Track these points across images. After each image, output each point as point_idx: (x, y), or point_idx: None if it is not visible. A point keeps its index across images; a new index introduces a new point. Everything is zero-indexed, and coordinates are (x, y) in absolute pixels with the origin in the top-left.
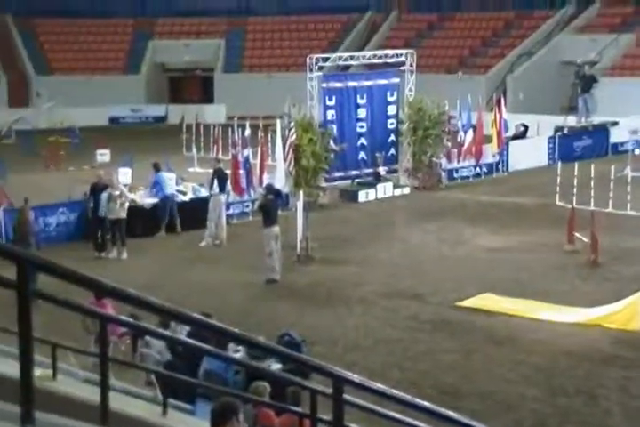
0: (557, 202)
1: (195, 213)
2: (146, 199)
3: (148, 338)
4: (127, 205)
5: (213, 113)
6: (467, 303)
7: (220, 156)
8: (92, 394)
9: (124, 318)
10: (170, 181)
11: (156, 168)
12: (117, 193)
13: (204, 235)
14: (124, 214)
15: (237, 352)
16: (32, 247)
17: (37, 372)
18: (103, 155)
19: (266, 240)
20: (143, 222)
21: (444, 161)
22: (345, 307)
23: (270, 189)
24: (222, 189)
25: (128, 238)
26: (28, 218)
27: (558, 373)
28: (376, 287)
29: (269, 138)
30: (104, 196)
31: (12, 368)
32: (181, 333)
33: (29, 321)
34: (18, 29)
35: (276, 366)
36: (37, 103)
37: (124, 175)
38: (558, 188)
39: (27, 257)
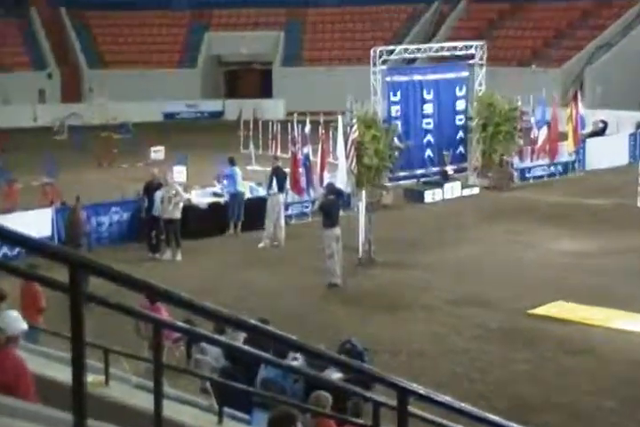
0: (639, 204)
1: (252, 214)
2: (201, 199)
3: (203, 344)
4: (182, 204)
5: (272, 108)
6: (539, 311)
7: (279, 153)
8: (145, 401)
9: (178, 323)
10: (239, 177)
11: (232, 162)
12: (172, 192)
13: (262, 236)
14: (178, 214)
15: (296, 360)
16: (83, 248)
17: (90, 378)
18: (157, 152)
19: (326, 242)
20: (198, 223)
21: (515, 159)
22: (409, 313)
23: (331, 188)
24: (281, 188)
25: (183, 240)
26: (79, 218)
27: (638, 384)
28: (442, 293)
29: (330, 135)
30: (158, 195)
31: (63, 374)
32: (238, 339)
33: (82, 325)
34: (71, 22)
35: (336, 376)
36: (90, 98)
37: (179, 173)
38: None
39: (78, 259)
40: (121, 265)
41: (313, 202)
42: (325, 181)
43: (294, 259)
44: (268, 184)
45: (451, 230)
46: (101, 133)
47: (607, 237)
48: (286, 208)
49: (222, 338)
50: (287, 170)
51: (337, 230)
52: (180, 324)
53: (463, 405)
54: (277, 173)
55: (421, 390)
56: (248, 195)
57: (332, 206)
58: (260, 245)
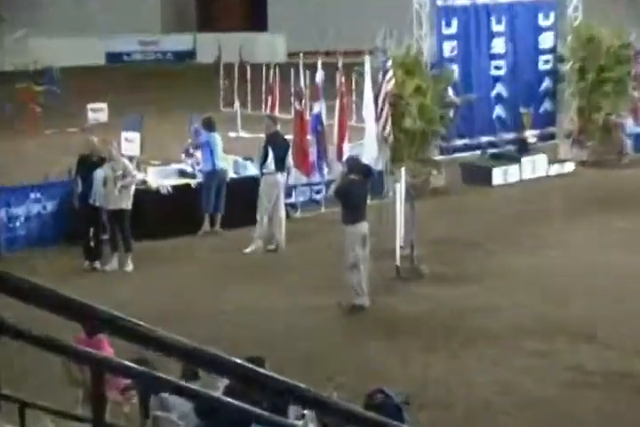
0: None
1: (238, 202)
2: (163, 180)
3: (165, 395)
4: (133, 189)
5: (266, 47)
6: None
7: (277, 113)
8: None
9: (128, 363)
10: (219, 148)
11: (208, 125)
12: (119, 172)
13: (252, 236)
14: (128, 204)
15: (303, 418)
16: None
17: None
18: (97, 111)
19: (348, 244)
20: (158, 216)
21: (628, 121)
22: (468, 349)
23: (354, 164)
24: (280, 164)
25: (135, 241)
26: None
27: None
28: (517, 319)
29: (353, 85)
30: (99, 175)
31: None
32: (217, 387)
33: None
34: None
35: None
36: (0, 32)
37: (130, 143)
38: None
39: None
40: (44, 278)
41: (328, 184)
42: (346, 155)
43: (299, 269)
44: (261, 158)
45: (531, 226)
46: (17, 84)
47: None
48: (288, 194)
49: (194, 386)
50: (289, 137)
51: (363, 227)
52: (132, 364)
53: None
54: (275, 142)
55: None
56: (231, 174)
57: (356, 191)
58: (249, 249)
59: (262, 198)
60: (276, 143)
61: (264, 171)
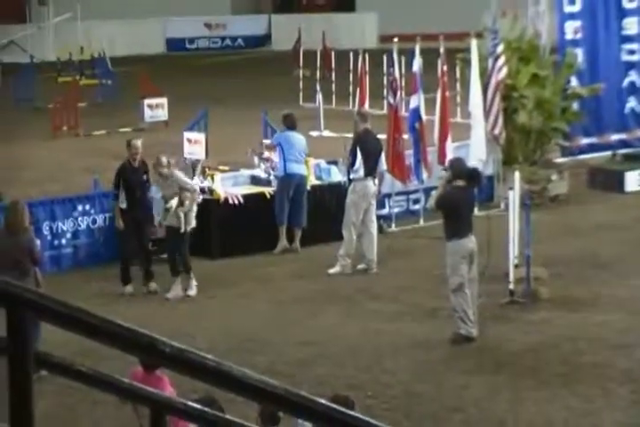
0: None
1: (321, 214)
2: (233, 189)
3: None
4: (195, 207)
5: (355, 30)
6: None
7: (368, 108)
8: None
9: (193, 404)
10: (300, 148)
11: (289, 122)
12: (172, 202)
13: (338, 254)
14: (191, 223)
15: None
16: (30, 278)
17: None
18: (155, 108)
19: (452, 263)
20: (227, 230)
21: None
22: (598, 388)
23: (459, 168)
24: (371, 168)
25: (198, 260)
26: (21, 225)
27: None
28: None
29: (457, 75)
30: (155, 193)
31: None
32: None
33: (29, 407)
34: None
35: None
36: (41, 16)
37: (194, 145)
38: None
39: (23, 296)
40: (87, 303)
41: (427, 192)
42: (449, 157)
43: (395, 294)
44: (348, 162)
45: None
46: (59, 77)
47: None
48: (381, 204)
49: None
50: (382, 137)
51: (470, 243)
52: (198, 406)
53: None
54: (365, 143)
55: None
56: (313, 181)
57: (462, 201)
58: (333, 269)
59: (350, 209)
60: (367, 144)
61: (352, 177)
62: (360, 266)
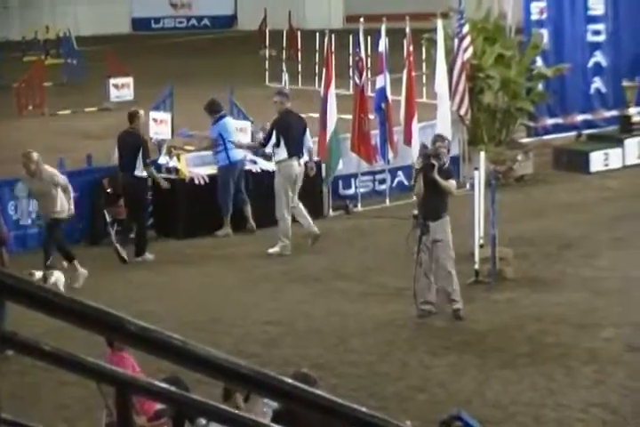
0: None
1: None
2: (199, 169)
3: (203, 422)
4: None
5: (321, 10)
6: None
7: (334, 88)
8: None
9: (158, 383)
10: (239, 133)
11: (215, 110)
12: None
13: (278, 235)
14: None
15: None
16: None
17: None
18: (121, 87)
19: (417, 246)
20: (192, 210)
21: None
22: (563, 368)
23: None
24: (296, 149)
25: (163, 239)
26: None
27: None
28: (621, 331)
29: (423, 55)
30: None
31: None
32: (265, 413)
33: None
34: None
35: None
36: None
37: (160, 125)
38: None
39: None
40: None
41: (394, 172)
42: (415, 138)
43: (360, 274)
44: (264, 141)
45: (635, 222)
46: (25, 57)
47: None
48: (346, 184)
49: (237, 411)
50: (348, 117)
51: (439, 225)
52: (163, 385)
53: None
54: (287, 123)
55: None
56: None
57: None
58: (273, 250)
59: (279, 192)
60: (289, 124)
61: (277, 160)
62: (309, 240)
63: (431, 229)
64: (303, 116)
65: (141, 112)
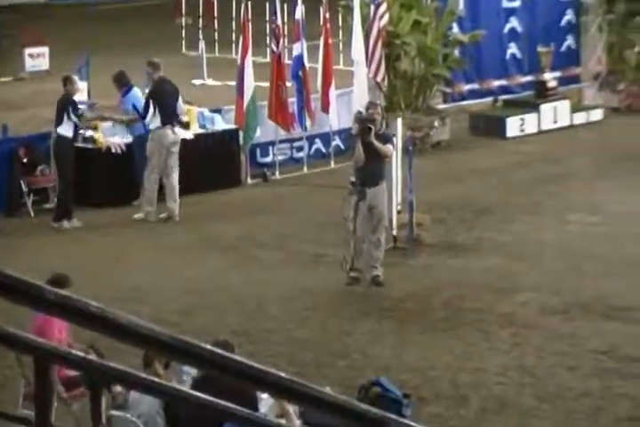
0: None
1: (203, 163)
2: (116, 138)
3: (121, 390)
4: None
5: None
6: None
7: (251, 56)
8: None
9: (75, 351)
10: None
11: (123, 82)
12: None
13: (142, 202)
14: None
15: (288, 415)
16: None
17: None
18: (37, 57)
19: (353, 213)
20: (108, 179)
21: None
22: (479, 332)
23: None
24: (170, 117)
25: (82, 208)
26: None
27: None
28: (538, 296)
29: (340, 22)
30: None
31: None
32: (184, 381)
33: None
34: None
35: None
36: None
37: (77, 94)
38: None
39: None
40: None
41: (312, 140)
42: (333, 105)
43: (278, 241)
44: (143, 111)
45: (552, 187)
46: None
47: None
48: (264, 152)
49: (157, 379)
50: (265, 84)
51: (371, 192)
52: (80, 354)
53: None
54: (161, 91)
55: None
56: (197, 130)
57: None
58: (137, 215)
59: (150, 158)
60: (162, 93)
61: (151, 127)
62: (162, 215)
63: (368, 195)
64: (219, 84)
65: (75, 77)
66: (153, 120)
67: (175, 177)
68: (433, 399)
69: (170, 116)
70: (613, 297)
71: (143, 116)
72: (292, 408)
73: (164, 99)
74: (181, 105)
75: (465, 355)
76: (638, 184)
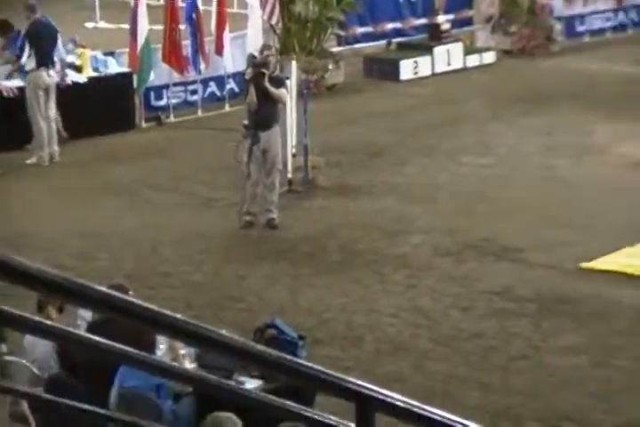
0: None
1: (97, 106)
2: (6, 82)
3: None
4: None
5: None
6: (602, 264)
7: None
8: None
9: None
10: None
11: (7, 30)
12: None
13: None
14: None
15: (181, 359)
16: None
17: None
18: None
19: (247, 156)
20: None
21: (557, 2)
22: (374, 274)
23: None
24: (44, 59)
25: None
26: None
27: None
28: (431, 237)
29: None
30: None
31: None
32: (78, 325)
33: None
34: None
35: (252, 384)
36: None
37: None
38: None
39: None
40: None
41: (206, 83)
42: (227, 48)
43: (173, 185)
44: (20, 53)
45: (444, 129)
46: None
47: None
48: (157, 95)
49: (48, 322)
50: (159, 27)
51: (265, 135)
52: None
53: (472, 425)
54: (37, 33)
55: (399, 401)
56: (90, 73)
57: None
58: (30, 160)
59: (29, 102)
60: (39, 34)
61: (26, 68)
62: (40, 158)
63: (262, 138)
64: (112, 26)
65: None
66: (28, 62)
67: (53, 121)
68: (328, 341)
69: (45, 58)
70: (505, 238)
71: (19, 57)
72: (185, 351)
73: (40, 41)
74: (60, 48)
75: (360, 297)
76: (530, 126)
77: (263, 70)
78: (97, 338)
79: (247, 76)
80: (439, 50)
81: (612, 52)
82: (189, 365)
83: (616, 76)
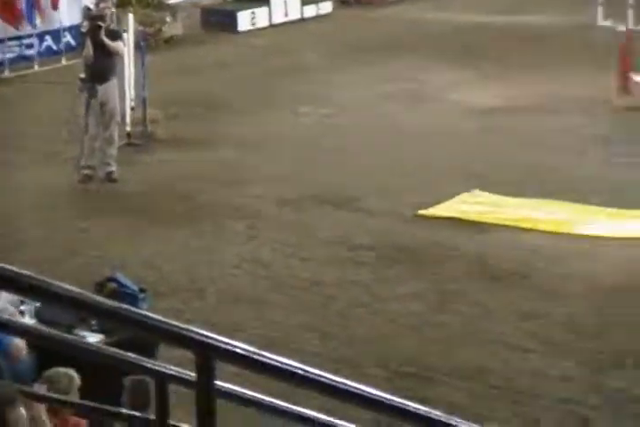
0: (600, 22)
1: None
2: None
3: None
4: None
5: None
6: (439, 211)
7: None
8: None
9: None
10: None
11: None
12: None
13: None
14: None
15: (20, 314)
16: None
17: None
18: None
19: (85, 110)
20: None
21: None
22: (215, 226)
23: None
24: None
25: None
26: None
27: (601, 331)
28: (271, 188)
29: None
30: None
31: None
32: None
33: None
34: None
35: (93, 338)
36: None
37: None
38: None
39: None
40: None
41: (42, 37)
42: (62, 1)
43: (19, 142)
44: None
45: (284, 80)
46: None
47: (551, 79)
48: None
49: None
50: None
51: (101, 89)
52: None
53: (317, 372)
54: None
55: (241, 349)
56: None
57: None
58: None
59: None
60: None
61: None
62: None
63: (99, 92)
64: None
65: None
66: None
67: None
68: (170, 293)
69: None
70: (343, 187)
71: None
72: (25, 307)
73: None
74: None
75: (201, 248)
76: (368, 75)
77: (99, 23)
78: None
79: (83, 29)
80: (276, 1)
81: (444, 0)
82: (30, 320)
83: (456, 26)
